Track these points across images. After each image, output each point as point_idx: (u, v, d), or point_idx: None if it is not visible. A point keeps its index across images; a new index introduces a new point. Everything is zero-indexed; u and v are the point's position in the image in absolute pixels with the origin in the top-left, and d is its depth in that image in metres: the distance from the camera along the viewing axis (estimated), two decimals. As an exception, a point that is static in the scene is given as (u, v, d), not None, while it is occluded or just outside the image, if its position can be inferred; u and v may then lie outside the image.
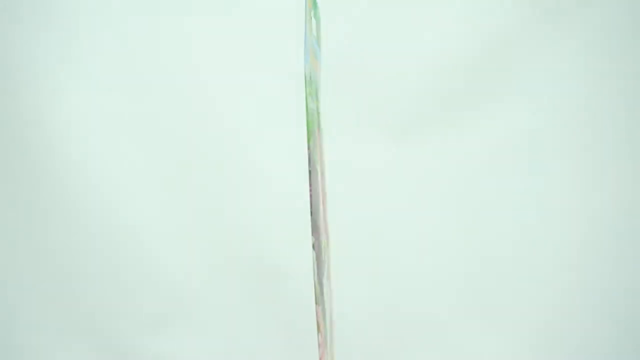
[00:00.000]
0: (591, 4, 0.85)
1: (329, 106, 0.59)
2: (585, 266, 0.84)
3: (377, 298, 0.84)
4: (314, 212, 0.46)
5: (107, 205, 0.86)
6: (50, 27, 0.84)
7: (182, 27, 0.86)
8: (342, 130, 0.82)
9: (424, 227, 0.87)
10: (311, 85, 0.55)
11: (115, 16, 0.86)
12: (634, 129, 0.85)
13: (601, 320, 0.83)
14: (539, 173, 0.86)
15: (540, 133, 0.86)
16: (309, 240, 0.55)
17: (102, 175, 0.86)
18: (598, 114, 0.86)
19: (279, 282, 0.83)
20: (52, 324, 0.84)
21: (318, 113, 0.54)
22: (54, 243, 0.85)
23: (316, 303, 0.46)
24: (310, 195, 0.46)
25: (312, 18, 0.49)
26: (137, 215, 0.86)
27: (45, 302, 0.84)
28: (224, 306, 0.86)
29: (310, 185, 0.46)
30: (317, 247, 0.46)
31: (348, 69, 0.83)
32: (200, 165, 0.87)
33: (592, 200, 0.85)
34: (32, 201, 0.85)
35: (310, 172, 0.46)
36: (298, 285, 0.82)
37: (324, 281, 0.46)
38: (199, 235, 0.87)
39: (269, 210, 0.84)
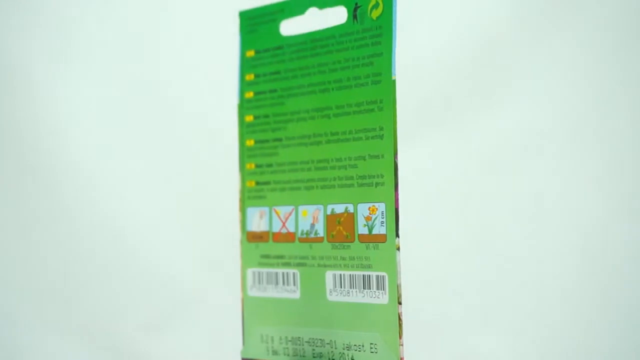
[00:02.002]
0: (592, 2, 0.85)
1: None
2: (586, 266, 0.85)
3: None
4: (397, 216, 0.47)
5: (104, 205, 0.86)
6: (40, 25, 0.85)
7: (171, 23, 0.87)
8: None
9: (421, 227, 0.87)
10: None
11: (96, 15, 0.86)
12: (634, 129, 0.85)
13: (602, 320, 0.83)
14: (539, 172, 0.86)
15: (541, 133, 0.86)
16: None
17: (101, 175, 0.86)
18: (599, 114, 0.86)
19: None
20: (52, 324, 0.84)
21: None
22: (52, 242, 0.85)
23: (399, 302, 0.47)
24: (396, 200, 0.47)
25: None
26: (136, 215, 0.87)
27: (45, 302, 0.84)
28: (224, 306, 0.86)
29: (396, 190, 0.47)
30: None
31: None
32: (199, 165, 0.87)
33: (593, 199, 0.85)
34: (30, 201, 0.85)
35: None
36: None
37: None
38: (199, 235, 0.87)
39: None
